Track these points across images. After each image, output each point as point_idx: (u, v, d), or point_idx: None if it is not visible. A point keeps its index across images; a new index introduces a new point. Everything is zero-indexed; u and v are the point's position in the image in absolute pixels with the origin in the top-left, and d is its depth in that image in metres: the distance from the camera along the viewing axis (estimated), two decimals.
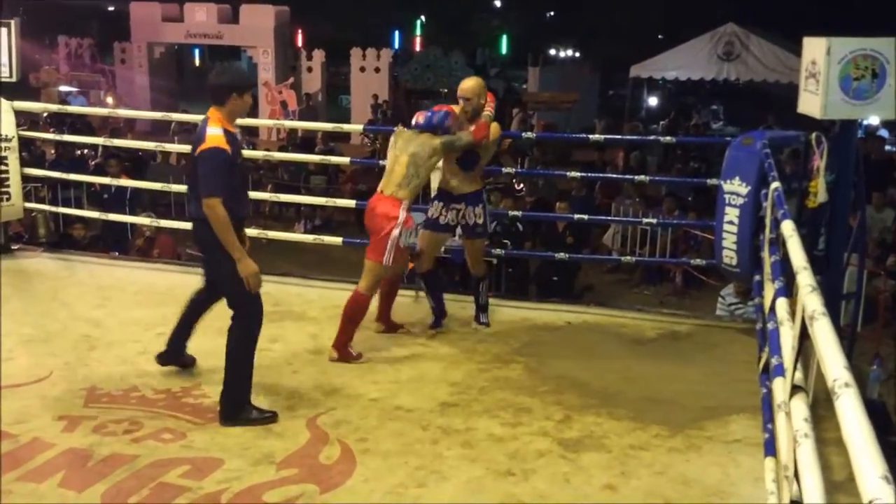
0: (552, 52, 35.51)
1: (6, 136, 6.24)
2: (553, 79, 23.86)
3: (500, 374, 4.41)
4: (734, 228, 4.95)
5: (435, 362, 4.57)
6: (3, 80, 6.31)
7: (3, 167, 6.24)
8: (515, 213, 7.25)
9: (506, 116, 22.19)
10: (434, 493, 3.24)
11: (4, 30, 6.06)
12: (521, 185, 12.19)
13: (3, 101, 6.23)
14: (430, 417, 3.87)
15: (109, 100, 21.21)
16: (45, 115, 13.83)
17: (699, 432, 3.76)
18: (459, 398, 4.09)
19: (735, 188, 4.95)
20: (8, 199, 6.31)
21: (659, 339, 5.07)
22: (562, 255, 6.68)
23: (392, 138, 4.90)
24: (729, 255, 5.01)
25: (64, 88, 21.37)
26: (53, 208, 7.49)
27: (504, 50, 34.51)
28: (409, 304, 5.42)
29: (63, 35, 25.78)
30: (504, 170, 7.21)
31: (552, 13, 37.81)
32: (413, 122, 4.83)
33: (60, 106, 10.67)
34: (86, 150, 12.81)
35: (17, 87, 6.70)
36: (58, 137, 8.57)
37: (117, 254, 7.33)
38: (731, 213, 4.97)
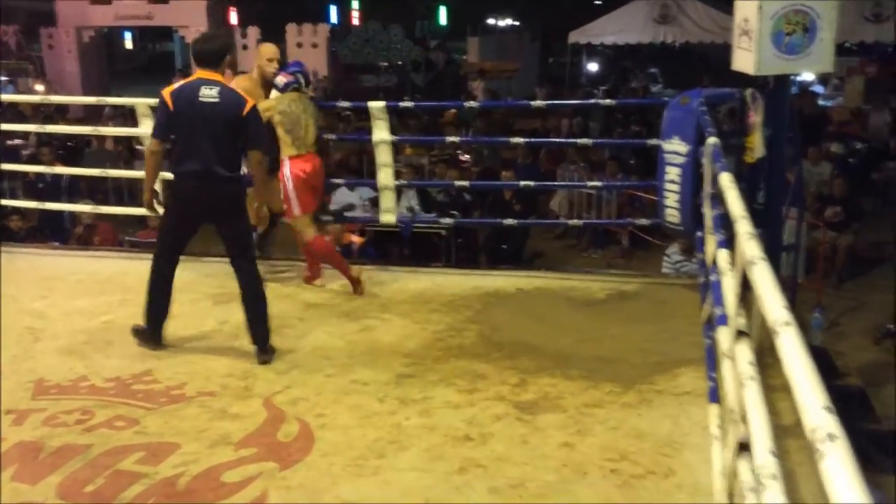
0: (491, 21, 35.43)
1: None
2: (493, 48, 23.84)
3: (453, 343, 4.44)
4: (676, 187, 5.04)
5: (389, 334, 4.58)
6: None
7: None
8: (462, 182, 7.26)
9: (448, 88, 22.17)
10: (393, 462, 3.26)
11: None
12: (467, 156, 12.21)
13: None
14: (386, 389, 3.88)
15: (39, 87, 20.52)
16: None
17: (650, 387, 3.85)
18: (415, 369, 4.11)
19: (675, 147, 5.03)
20: None
21: (608, 300, 5.15)
22: (510, 221, 6.71)
23: (288, 104, 5.15)
24: (672, 214, 5.10)
25: None
26: None
27: (443, 21, 34.29)
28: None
29: None
30: (448, 139, 7.19)
31: None
32: (291, 83, 5.19)
33: None
34: (17, 140, 12.41)
35: None
36: None
37: (57, 244, 7.14)
38: (672, 173, 5.06)
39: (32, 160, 9.62)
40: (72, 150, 11.53)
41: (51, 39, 22.78)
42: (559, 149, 11.95)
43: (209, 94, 4.07)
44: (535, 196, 9.83)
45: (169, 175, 4.59)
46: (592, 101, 12.19)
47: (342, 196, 9.78)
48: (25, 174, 8.70)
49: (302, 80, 5.26)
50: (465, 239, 8.68)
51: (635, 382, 3.89)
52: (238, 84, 4.82)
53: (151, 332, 4.34)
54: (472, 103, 8.26)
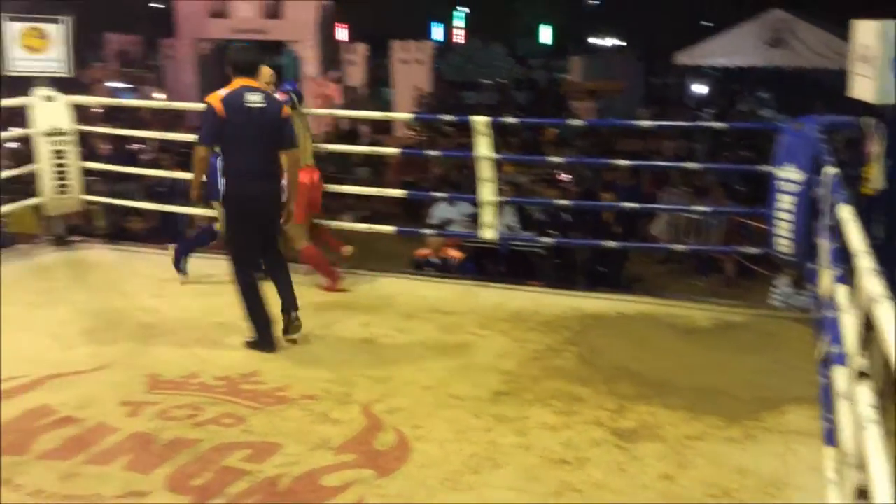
0: (595, 40, 35.21)
1: (64, 130, 6.41)
2: (596, 68, 23.64)
3: (551, 364, 4.42)
4: (789, 216, 4.88)
5: (486, 351, 4.60)
6: (59, 75, 6.47)
7: (62, 160, 6.41)
8: (563, 201, 7.19)
9: (549, 106, 22.11)
10: (489, 479, 3.27)
11: (61, 27, 6.21)
12: (567, 176, 12.13)
13: (60, 95, 6.39)
14: (482, 406, 3.89)
15: (158, 95, 21.55)
16: (99, 109, 14.12)
17: (756, 423, 3.73)
18: (512, 387, 4.11)
19: (789, 175, 4.88)
20: (67, 192, 6.48)
21: (712, 329, 5.03)
22: (611, 243, 6.62)
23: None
24: (783, 244, 4.95)
25: (113, 85, 21.79)
26: (110, 200, 7.64)
27: (545, 40, 34.28)
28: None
29: (112, 32, 26.27)
30: (550, 158, 7.15)
31: (595, 1, 37.45)
32: (286, 101, 5.11)
33: (115, 100, 10.87)
34: (138, 145, 13.05)
35: (70, 83, 6.86)
36: (114, 131, 8.72)
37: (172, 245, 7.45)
38: (785, 201, 4.91)
39: (151, 164, 10.10)
40: (187, 156, 12.04)
41: (170, 50, 23.93)
42: (662, 172, 11.72)
43: (255, 99, 4.39)
44: (636, 219, 9.67)
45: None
46: (701, 123, 11.89)
47: (442, 211, 9.87)
48: (146, 177, 9.14)
49: (295, 99, 5.50)
50: (563, 259, 8.62)
51: (740, 417, 3.77)
52: None
53: (261, 338, 4.52)
54: (576, 122, 8.18)
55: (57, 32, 6.17)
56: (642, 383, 4.16)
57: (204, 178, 4.55)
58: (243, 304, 4.53)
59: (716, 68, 21.67)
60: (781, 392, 4.01)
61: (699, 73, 22.81)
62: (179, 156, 10.67)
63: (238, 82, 4.45)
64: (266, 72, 5.59)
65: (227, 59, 4.66)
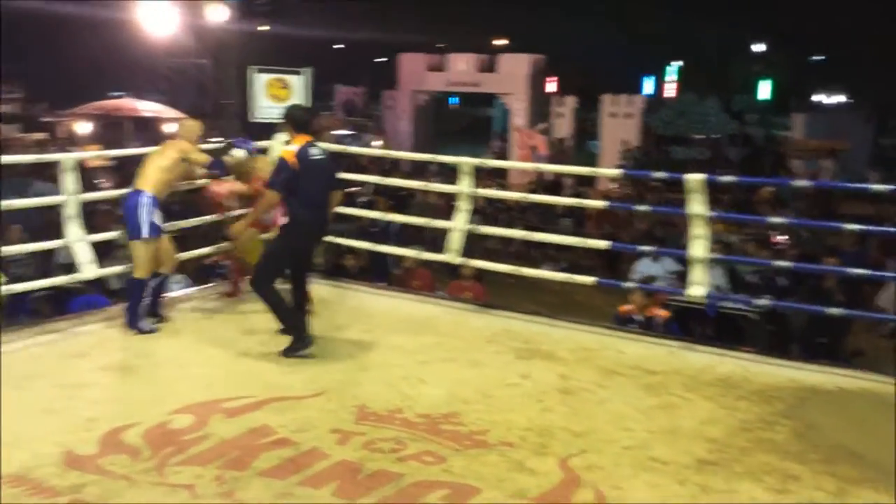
0: (818, 97, 33.29)
1: None
2: (819, 125, 22.33)
3: (764, 436, 4.16)
4: None
5: (691, 416, 4.41)
6: None
7: None
8: (783, 263, 6.78)
9: (765, 165, 21.09)
10: None
11: (302, 78, 6.79)
12: (782, 238, 11.45)
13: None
14: (686, 473, 3.73)
15: (376, 142, 22.91)
16: None
17: None
18: (719, 456, 3.91)
19: None
20: None
21: None
22: (836, 310, 6.14)
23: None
24: None
25: (338, 132, 23.43)
26: (330, 238, 8.15)
27: (764, 95, 32.85)
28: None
29: (339, 84, 28.33)
30: (769, 219, 6.79)
31: (820, 57, 35.52)
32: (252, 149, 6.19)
33: (341, 146, 11.66)
34: (356, 188, 13.90)
35: None
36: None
37: (382, 284, 7.84)
38: None
39: (366, 206, 10.69)
40: (400, 200, 12.67)
41: (390, 101, 25.45)
42: (892, 239, 10.79)
43: (317, 153, 5.15)
44: (860, 287, 8.93)
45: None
46: None
47: (645, 266, 9.64)
48: (361, 219, 9.69)
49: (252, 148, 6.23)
50: (776, 325, 8.12)
51: None
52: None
53: (299, 338, 5.11)
54: (802, 182, 7.72)
55: (298, 83, 6.75)
56: (865, 466, 3.82)
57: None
58: (279, 315, 5.17)
59: None
60: None
61: None
62: (393, 199, 11.25)
63: (302, 138, 5.15)
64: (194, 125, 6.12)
65: (288, 119, 5.28)
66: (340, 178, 5.46)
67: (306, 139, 5.16)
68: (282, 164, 5.08)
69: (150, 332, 5.47)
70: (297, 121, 5.23)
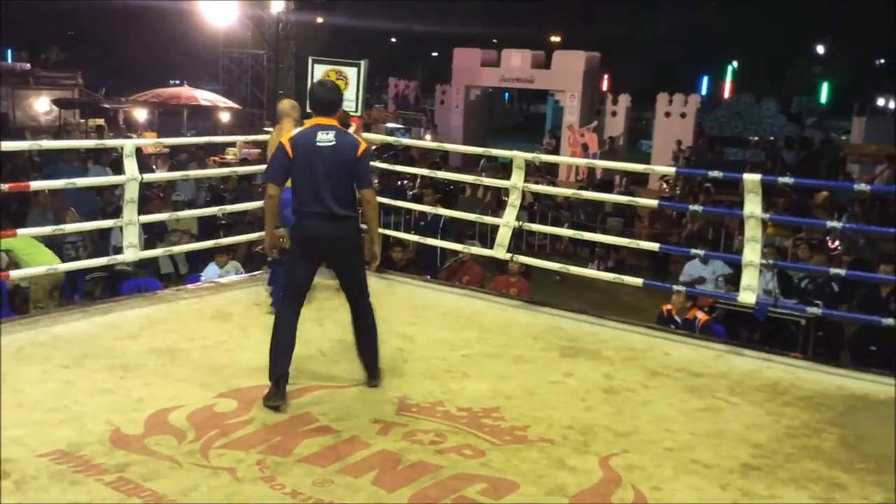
0: (881, 102, 32.40)
1: None
2: (881, 130, 21.73)
3: (810, 443, 4.07)
4: None
5: (736, 420, 4.34)
6: (350, 114, 7.09)
7: None
8: (837, 270, 6.61)
9: (822, 168, 20.61)
10: None
11: (356, 69, 6.83)
12: (836, 243, 11.20)
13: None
14: (729, 477, 3.67)
15: (427, 136, 22.98)
16: (373, 147, 15.34)
17: None
18: (763, 462, 3.84)
19: None
20: None
21: None
22: (890, 320, 5.98)
23: None
24: None
25: (390, 125, 23.57)
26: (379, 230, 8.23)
27: (823, 98, 32.12)
28: None
29: (393, 77, 28.51)
30: (829, 224, 6.62)
31: (883, 60, 34.57)
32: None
33: (393, 138, 11.73)
34: (405, 181, 13.98)
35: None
36: (384, 166, 9.42)
37: (429, 277, 7.87)
38: None
39: (416, 200, 10.75)
40: (448, 193, 12.71)
41: (443, 95, 25.50)
42: None
43: (325, 138, 4.26)
44: None
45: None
46: None
47: (694, 268, 9.53)
48: (409, 211, 9.75)
49: None
50: (826, 332, 7.95)
51: None
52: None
53: (270, 390, 4.19)
54: (862, 186, 7.49)
55: (353, 74, 6.78)
56: None
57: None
58: (271, 342, 4.30)
59: None
60: None
61: None
62: (441, 193, 11.27)
63: (314, 120, 4.35)
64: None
65: (309, 98, 4.48)
66: (364, 174, 4.36)
67: (320, 121, 4.32)
68: (278, 150, 4.35)
69: None
70: (314, 100, 4.39)
